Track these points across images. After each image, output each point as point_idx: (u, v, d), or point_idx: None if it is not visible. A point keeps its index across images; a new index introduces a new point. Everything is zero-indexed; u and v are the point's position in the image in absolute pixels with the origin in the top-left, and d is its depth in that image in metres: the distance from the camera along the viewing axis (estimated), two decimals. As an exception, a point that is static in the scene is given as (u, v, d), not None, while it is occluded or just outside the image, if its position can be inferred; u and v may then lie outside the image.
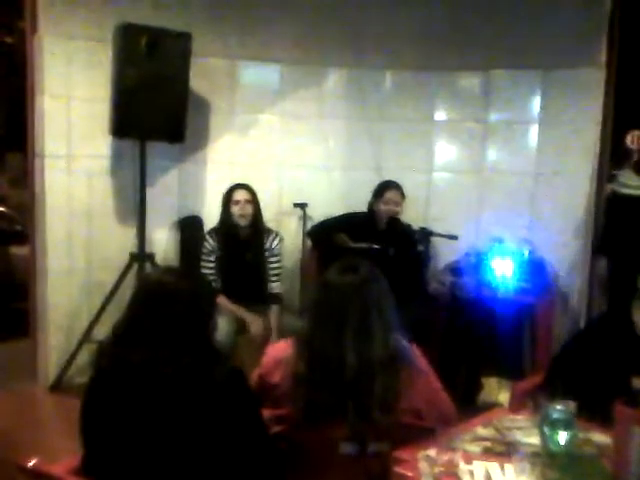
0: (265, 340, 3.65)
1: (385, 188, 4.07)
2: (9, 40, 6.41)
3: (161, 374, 1.69)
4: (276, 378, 2.00)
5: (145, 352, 1.70)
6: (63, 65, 3.88)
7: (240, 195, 3.75)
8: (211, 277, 3.72)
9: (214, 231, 3.82)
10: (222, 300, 3.67)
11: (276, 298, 3.86)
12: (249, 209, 3.76)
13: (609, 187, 4.09)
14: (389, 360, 1.91)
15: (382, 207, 4.03)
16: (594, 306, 4.16)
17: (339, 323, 1.92)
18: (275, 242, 3.85)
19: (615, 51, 4.03)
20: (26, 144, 3.99)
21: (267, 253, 3.84)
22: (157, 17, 3.83)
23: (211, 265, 3.76)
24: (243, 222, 3.75)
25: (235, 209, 3.74)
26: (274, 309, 3.83)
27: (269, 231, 3.88)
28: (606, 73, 4.04)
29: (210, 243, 3.77)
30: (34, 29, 3.83)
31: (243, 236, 3.79)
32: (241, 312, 3.69)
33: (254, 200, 3.80)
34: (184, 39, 3.76)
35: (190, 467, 1.67)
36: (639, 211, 3.89)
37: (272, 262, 3.85)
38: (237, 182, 3.90)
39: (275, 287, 3.86)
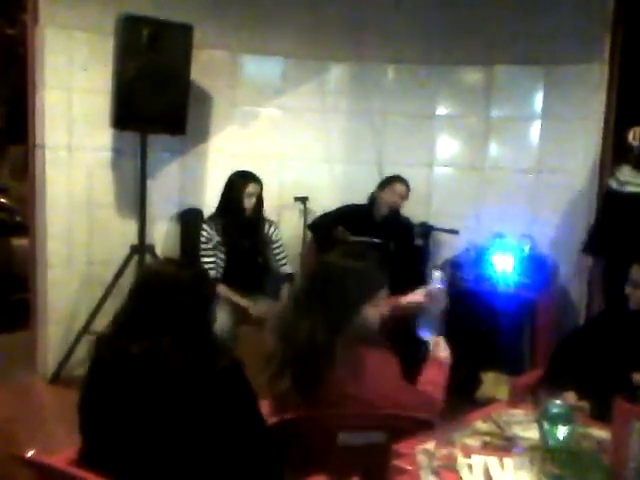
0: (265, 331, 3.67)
1: (393, 180, 4.12)
2: (10, 32, 6.40)
3: (161, 365, 1.69)
4: None
5: (145, 343, 1.70)
6: (65, 57, 3.88)
7: (253, 188, 3.78)
8: (211, 265, 3.72)
9: (211, 219, 3.83)
10: (221, 288, 3.68)
11: (289, 277, 3.94)
12: (257, 203, 3.81)
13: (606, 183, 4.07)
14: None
15: (386, 197, 4.06)
16: (594, 302, 4.16)
17: (319, 299, 2.00)
18: (272, 229, 3.90)
19: (618, 48, 4.01)
20: (27, 136, 3.98)
21: (267, 240, 3.88)
22: (159, 9, 3.81)
23: (210, 253, 3.76)
24: (249, 213, 3.79)
25: (246, 202, 3.76)
26: (287, 288, 3.89)
27: (265, 220, 3.91)
28: (609, 69, 4.03)
29: (208, 231, 3.77)
30: (36, 21, 3.82)
31: (243, 223, 3.79)
32: (237, 298, 3.72)
33: (261, 191, 3.84)
34: (186, 31, 3.75)
35: (187, 457, 1.67)
36: (637, 209, 3.86)
37: (276, 248, 3.92)
38: (245, 170, 3.89)
39: (286, 268, 3.95)
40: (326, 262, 2.13)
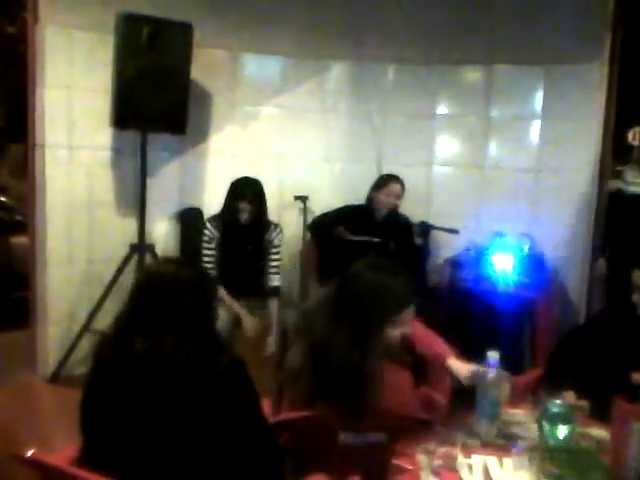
0: (261, 337, 3.65)
1: (388, 180, 4.08)
2: (11, 30, 6.39)
3: (164, 364, 1.69)
4: None
5: (149, 342, 1.70)
6: (65, 55, 3.87)
7: (245, 205, 3.65)
8: (210, 265, 3.71)
9: (214, 219, 3.80)
10: (220, 291, 3.66)
11: (275, 291, 3.84)
12: (250, 217, 3.69)
13: (613, 184, 4.08)
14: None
15: (383, 198, 4.03)
16: (593, 301, 4.16)
17: (357, 315, 1.95)
18: (275, 234, 3.84)
19: (618, 47, 4.01)
20: (27, 135, 3.98)
21: (268, 245, 3.83)
22: (159, 7, 3.81)
23: (211, 253, 3.74)
24: (245, 223, 3.72)
25: (240, 215, 3.67)
26: (273, 302, 3.81)
27: (270, 224, 3.87)
28: (609, 69, 4.03)
29: (210, 230, 3.75)
30: (36, 19, 3.81)
31: (244, 226, 3.75)
32: (236, 308, 3.66)
33: (258, 204, 3.72)
34: (186, 30, 3.75)
35: (189, 456, 1.67)
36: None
37: (272, 254, 3.83)
38: (244, 180, 3.78)
39: (275, 280, 3.83)
40: (357, 275, 2.02)
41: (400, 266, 2.06)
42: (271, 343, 3.66)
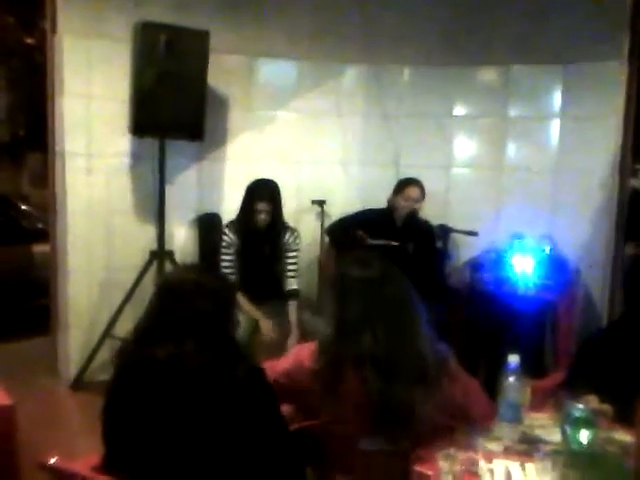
0: (280, 340, 3.66)
1: (406, 184, 4.04)
2: (29, 40, 6.47)
3: (186, 370, 1.69)
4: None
5: (170, 348, 1.71)
6: (83, 64, 3.91)
7: (262, 206, 3.67)
8: (229, 271, 3.72)
9: (232, 224, 3.81)
10: (239, 298, 3.66)
11: (294, 294, 3.85)
12: (268, 218, 3.70)
13: (630, 183, 4.04)
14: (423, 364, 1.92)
15: (402, 203, 4.00)
16: (616, 303, 4.11)
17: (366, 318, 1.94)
18: (292, 238, 3.84)
19: (637, 44, 3.97)
20: (47, 143, 4.02)
21: (285, 248, 3.83)
22: (175, 15, 3.85)
23: (229, 258, 3.75)
24: (261, 225, 3.73)
25: (257, 217, 3.69)
26: (292, 305, 3.83)
27: (287, 227, 3.87)
28: (628, 67, 3.99)
29: (229, 236, 3.76)
30: (54, 29, 3.86)
31: (262, 229, 3.76)
32: (254, 313, 3.66)
33: (275, 204, 3.72)
34: (202, 37, 3.77)
35: (211, 463, 1.68)
36: None
37: (289, 258, 3.83)
38: (260, 182, 3.81)
39: (293, 283, 3.84)
40: (387, 277, 2.03)
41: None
42: (291, 344, 3.67)
